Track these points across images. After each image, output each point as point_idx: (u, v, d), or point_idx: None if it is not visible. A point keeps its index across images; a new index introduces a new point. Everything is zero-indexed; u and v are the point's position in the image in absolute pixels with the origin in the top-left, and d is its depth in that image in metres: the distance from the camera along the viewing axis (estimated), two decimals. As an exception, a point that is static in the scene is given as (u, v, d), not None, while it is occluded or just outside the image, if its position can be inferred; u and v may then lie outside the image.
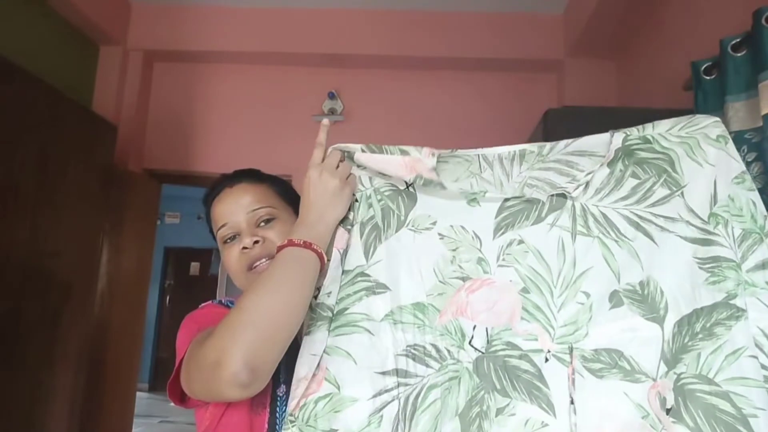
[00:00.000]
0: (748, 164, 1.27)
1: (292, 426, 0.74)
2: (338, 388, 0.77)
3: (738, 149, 1.29)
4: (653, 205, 0.80)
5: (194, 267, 7.28)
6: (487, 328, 0.79)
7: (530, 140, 2.20)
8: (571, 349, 0.76)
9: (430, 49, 2.95)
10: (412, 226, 0.85)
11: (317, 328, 0.79)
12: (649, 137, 0.84)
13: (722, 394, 0.70)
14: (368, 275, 0.83)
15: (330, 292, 0.80)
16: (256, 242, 0.90)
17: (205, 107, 3.08)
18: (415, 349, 0.79)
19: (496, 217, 0.84)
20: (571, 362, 0.75)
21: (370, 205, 0.87)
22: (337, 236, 0.84)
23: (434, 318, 0.81)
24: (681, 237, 0.78)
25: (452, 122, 3.01)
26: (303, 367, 0.77)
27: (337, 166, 0.85)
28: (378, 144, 0.88)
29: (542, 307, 0.79)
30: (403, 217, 0.86)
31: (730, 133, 1.30)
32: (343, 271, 0.83)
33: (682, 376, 0.73)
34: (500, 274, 0.81)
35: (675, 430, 0.70)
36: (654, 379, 0.73)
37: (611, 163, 0.83)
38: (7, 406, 1.93)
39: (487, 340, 0.79)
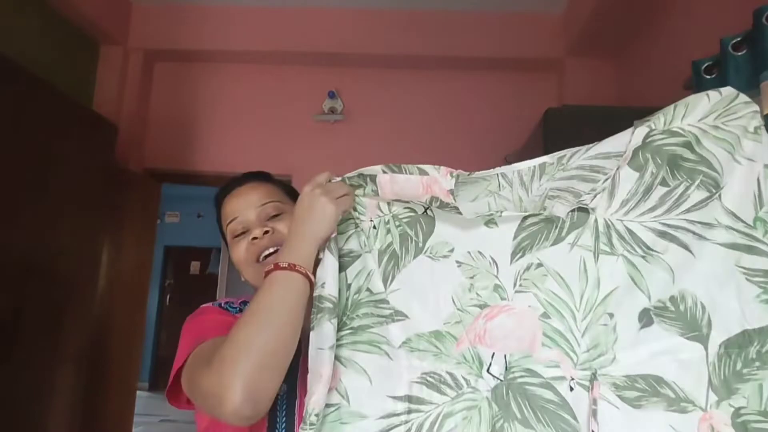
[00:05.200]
0: (748, 163, 1.27)
1: (311, 428, 0.72)
2: (348, 402, 0.76)
3: (739, 148, 1.29)
4: (688, 211, 0.72)
5: (194, 266, 7.28)
6: (505, 355, 0.76)
7: (530, 140, 2.20)
8: (593, 376, 0.70)
9: (431, 49, 2.95)
10: (430, 253, 0.84)
11: (320, 321, 0.76)
12: (677, 130, 0.74)
13: None
14: (388, 302, 0.83)
15: (324, 283, 0.78)
16: (266, 233, 0.93)
17: (205, 107, 3.08)
18: (430, 376, 0.78)
19: (514, 238, 0.80)
20: (591, 390, 0.69)
21: (389, 231, 0.86)
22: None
23: (451, 346, 0.79)
24: (720, 244, 0.69)
25: (452, 121, 3.01)
26: (315, 363, 0.75)
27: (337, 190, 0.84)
28: (397, 164, 0.86)
29: (564, 332, 0.74)
30: (421, 244, 0.85)
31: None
32: (368, 290, 0.84)
33: (743, 411, 0.64)
34: (518, 300, 0.78)
35: None
36: (703, 409, 0.65)
37: (639, 167, 0.74)
38: (7, 404, 1.93)
39: (506, 367, 0.76)
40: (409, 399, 0.76)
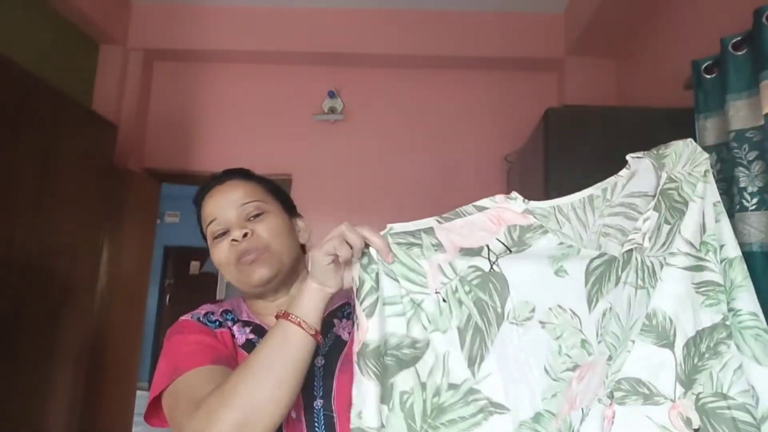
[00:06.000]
0: (749, 163, 1.27)
1: None
2: None
3: (739, 148, 1.30)
4: (671, 245, 0.82)
5: (194, 266, 7.27)
6: (582, 408, 0.78)
7: (530, 140, 2.20)
8: (611, 394, 0.76)
9: (431, 48, 2.95)
10: (513, 318, 0.77)
11: None
12: (672, 176, 0.85)
13: (740, 407, 0.74)
14: (479, 391, 0.73)
15: (361, 412, 0.68)
16: (245, 235, 0.90)
17: (205, 107, 3.08)
18: None
19: (585, 285, 0.80)
20: (610, 405, 0.76)
21: (460, 302, 0.75)
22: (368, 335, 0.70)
23: (550, 423, 0.75)
24: (680, 268, 0.80)
25: (452, 121, 3.01)
26: None
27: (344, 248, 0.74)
28: (450, 212, 0.78)
29: (612, 365, 0.78)
30: (500, 309, 0.77)
31: (730, 131, 1.31)
32: (449, 385, 0.72)
33: (701, 396, 0.75)
34: (598, 351, 0.78)
35: None
36: (672, 400, 0.76)
37: (656, 207, 0.83)
38: (7, 405, 1.93)
39: (581, 419, 0.78)
40: None
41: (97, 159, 2.48)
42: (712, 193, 0.84)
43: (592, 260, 0.80)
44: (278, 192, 1.01)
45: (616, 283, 0.80)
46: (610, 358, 0.78)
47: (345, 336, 0.93)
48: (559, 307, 0.78)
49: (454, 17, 2.95)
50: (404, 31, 2.95)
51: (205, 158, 3.04)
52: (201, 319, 0.92)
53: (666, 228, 0.82)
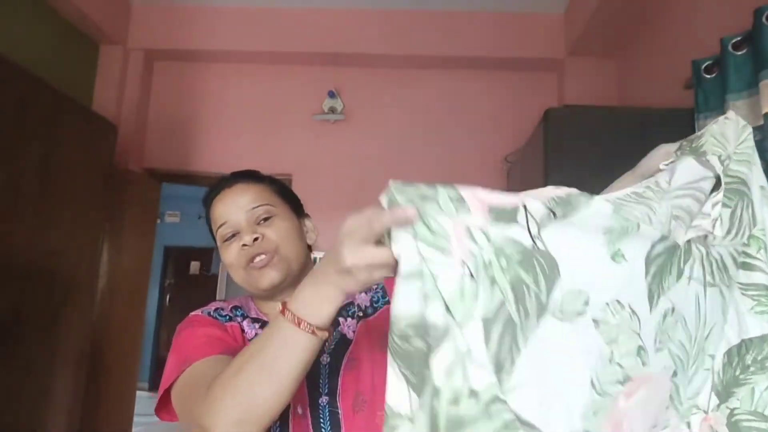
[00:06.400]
0: (748, 163, 1.27)
1: None
2: None
3: (739, 148, 1.29)
4: (742, 234, 0.71)
5: (194, 266, 7.28)
6: None
7: (530, 140, 2.20)
8: (689, 425, 0.70)
9: (431, 48, 2.95)
10: (559, 312, 0.56)
11: None
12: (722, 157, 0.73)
13: None
14: (504, 402, 0.52)
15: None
16: (256, 239, 0.91)
17: (205, 107, 3.08)
18: None
19: (646, 276, 0.63)
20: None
21: (493, 282, 0.52)
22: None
23: None
24: None
25: (452, 121, 3.01)
26: None
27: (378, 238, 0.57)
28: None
29: (680, 385, 0.68)
30: (544, 297, 0.55)
31: (730, 132, 1.31)
32: (471, 392, 0.51)
33: (736, 411, 0.68)
34: (656, 362, 0.63)
35: None
36: (705, 412, 0.70)
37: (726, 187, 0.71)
38: (7, 405, 1.93)
39: None
40: None
41: (97, 159, 2.48)
42: (759, 175, 0.72)
43: (654, 245, 0.62)
44: (286, 193, 1.02)
45: (678, 278, 0.65)
46: (675, 374, 0.66)
47: (350, 335, 0.94)
48: (618, 302, 0.60)
49: (454, 17, 2.94)
50: (404, 31, 2.94)
51: (205, 158, 3.04)
52: (211, 313, 0.93)
53: (726, 212, 0.70)
